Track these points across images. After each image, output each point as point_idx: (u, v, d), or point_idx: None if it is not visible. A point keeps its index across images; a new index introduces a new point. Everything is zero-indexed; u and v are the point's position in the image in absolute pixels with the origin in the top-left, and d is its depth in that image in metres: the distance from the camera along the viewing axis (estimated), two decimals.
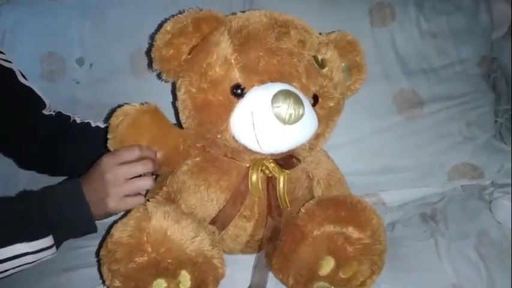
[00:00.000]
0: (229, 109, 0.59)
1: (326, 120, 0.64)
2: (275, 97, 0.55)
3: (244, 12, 0.64)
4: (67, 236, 0.63)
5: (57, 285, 0.66)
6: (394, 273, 0.64)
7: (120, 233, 0.54)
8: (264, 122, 0.56)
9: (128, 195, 0.62)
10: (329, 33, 0.69)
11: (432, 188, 0.88)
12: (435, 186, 0.89)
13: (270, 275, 0.64)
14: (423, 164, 0.91)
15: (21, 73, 0.75)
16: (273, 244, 0.64)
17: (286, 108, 0.54)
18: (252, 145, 0.58)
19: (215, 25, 0.62)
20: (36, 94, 0.75)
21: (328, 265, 0.60)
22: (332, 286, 0.61)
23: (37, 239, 0.57)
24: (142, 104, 0.65)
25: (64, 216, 0.60)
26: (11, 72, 0.73)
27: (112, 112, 0.65)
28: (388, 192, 0.88)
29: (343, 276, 0.61)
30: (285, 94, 0.55)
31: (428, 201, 0.85)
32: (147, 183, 0.64)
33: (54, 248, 0.60)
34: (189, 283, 0.55)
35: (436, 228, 0.75)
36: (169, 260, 0.53)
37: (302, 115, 0.55)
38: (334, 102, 0.64)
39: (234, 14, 0.64)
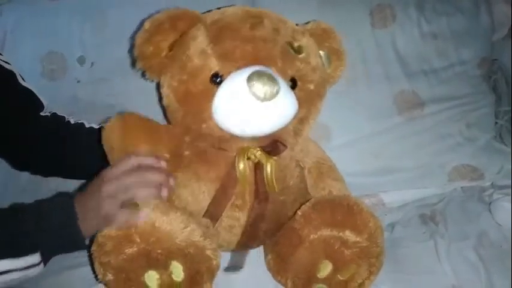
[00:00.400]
0: (210, 97, 0.60)
1: (307, 104, 0.65)
2: (250, 77, 0.56)
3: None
4: (56, 253, 0.60)
5: (57, 284, 0.66)
6: (393, 274, 0.64)
7: (109, 227, 0.54)
8: (242, 101, 0.57)
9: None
10: (305, 23, 0.71)
11: (432, 189, 0.88)
12: (435, 188, 0.88)
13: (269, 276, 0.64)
14: (423, 165, 0.91)
15: (21, 75, 0.75)
16: (255, 230, 0.64)
17: (261, 85, 0.56)
18: (235, 128, 0.60)
19: (192, 22, 0.64)
20: (36, 96, 0.76)
21: (326, 268, 0.60)
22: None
23: (24, 256, 0.56)
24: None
25: (53, 235, 0.57)
26: (11, 74, 0.73)
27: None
28: (388, 193, 0.88)
29: (341, 278, 0.61)
30: (259, 73, 0.57)
31: (428, 202, 0.85)
32: (144, 193, 0.59)
33: (42, 265, 0.58)
34: (182, 274, 0.56)
35: (435, 230, 0.75)
36: (159, 251, 0.54)
37: (278, 91, 0.57)
38: (313, 85, 0.65)
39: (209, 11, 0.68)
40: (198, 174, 0.64)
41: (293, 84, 0.63)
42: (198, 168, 0.64)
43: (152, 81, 0.69)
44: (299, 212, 0.62)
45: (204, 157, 0.65)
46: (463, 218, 0.77)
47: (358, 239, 0.59)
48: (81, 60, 0.90)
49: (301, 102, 0.63)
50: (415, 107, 0.94)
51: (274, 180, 0.62)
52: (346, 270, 0.60)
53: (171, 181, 0.62)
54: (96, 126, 0.77)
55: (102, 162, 0.73)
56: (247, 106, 0.57)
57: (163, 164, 0.63)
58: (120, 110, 0.86)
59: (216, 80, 0.60)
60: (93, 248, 0.55)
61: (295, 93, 0.62)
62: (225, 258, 0.65)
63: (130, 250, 0.53)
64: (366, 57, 0.94)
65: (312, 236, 0.59)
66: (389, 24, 0.95)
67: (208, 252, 0.56)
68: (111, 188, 0.58)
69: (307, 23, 0.71)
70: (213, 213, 0.63)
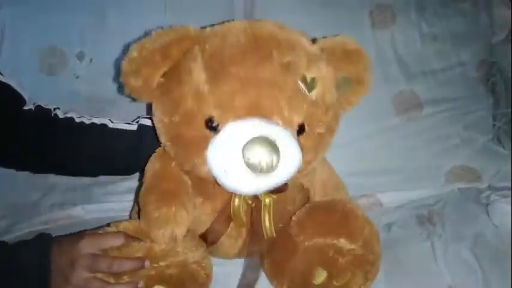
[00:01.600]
0: (204, 143, 0.54)
1: (315, 148, 0.59)
2: (246, 146, 0.50)
3: (223, 23, 0.59)
4: None
5: None
6: (390, 275, 0.64)
7: None
8: (235, 171, 0.51)
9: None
10: (324, 37, 0.62)
11: (429, 190, 0.88)
12: (432, 189, 0.88)
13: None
14: (421, 166, 0.91)
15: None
16: (256, 262, 0.63)
17: (257, 159, 0.50)
18: (226, 187, 0.54)
19: (188, 46, 0.56)
20: (15, 91, 0.71)
21: (321, 275, 0.60)
22: None
23: None
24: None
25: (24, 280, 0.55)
26: None
27: None
28: (385, 193, 0.87)
29: (337, 284, 0.60)
30: (257, 142, 0.50)
31: (425, 203, 0.85)
32: None
33: None
34: None
35: (432, 230, 0.75)
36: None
37: (276, 166, 0.51)
38: (324, 128, 0.58)
39: (212, 26, 0.59)
40: (194, 201, 0.61)
41: (300, 129, 0.56)
42: (194, 197, 0.61)
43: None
44: (294, 219, 0.61)
45: (200, 186, 0.61)
46: (460, 219, 0.77)
47: (352, 246, 0.58)
48: (80, 56, 0.89)
49: (308, 149, 0.57)
50: (413, 108, 0.94)
51: (272, 227, 0.59)
52: (341, 277, 0.60)
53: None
54: (87, 121, 0.73)
55: (93, 159, 0.73)
56: (241, 175, 0.51)
57: (146, 264, 0.56)
58: (120, 106, 0.86)
59: (212, 124, 0.54)
60: None
61: (300, 140, 0.55)
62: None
63: None
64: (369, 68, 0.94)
65: (306, 244, 0.58)
66: (389, 25, 0.95)
67: (192, 266, 0.56)
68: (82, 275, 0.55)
69: (325, 37, 0.62)
70: (208, 239, 0.62)
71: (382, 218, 0.81)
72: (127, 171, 0.80)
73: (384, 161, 0.91)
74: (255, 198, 0.58)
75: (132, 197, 0.80)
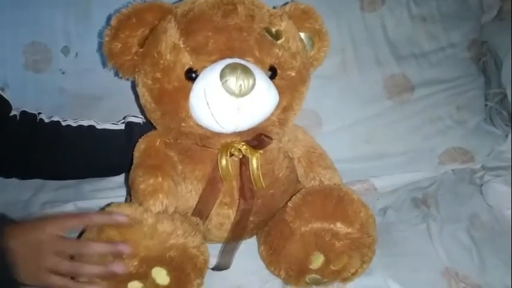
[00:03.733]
0: (186, 94, 0.58)
1: (290, 91, 0.62)
2: (222, 72, 0.54)
3: None
4: None
5: None
6: (386, 258, 0.64)
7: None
8: (216, 98, 0.55)
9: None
10: (283, 5, 0.67)
11: (423, 172, 0.88)
12: (426, 171, 0.88)
13: (258, 269, 0.64)
14: (414, 148, 0.91)
15: None
16: (243, 227, 0.64)
17: (234, 80, 0.54)
18: (213, 126, 0.58)
19: (161, 14, 0.61)
20: (2, 97, 0.71)
21: (318, 260, 0.60)
22: (324, 278, 0.61)
23: None
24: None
25: None
26: None
27: None
28: (379, 178, 0.87)
29: (334, 269, 0.60)
30: (232, 67, 0.54)
31: (420, 186, 0.85)
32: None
33: None
34: (166, 278, 0.54)
35: (427, 213, 0.75)
36: (135, 263, 0.52)
37: (253, 85, 0.54)
38: (294, 71, 0.62)
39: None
40: (184, 173, 0.63)
41: (272, 73, 0.60)
42: (184, 167, 0.63)
43: (127, 79, 0.66)
44: (289, 204, 0.61)
45: (188, 156, 0.63)
46: (455, 201, 0.78)
47: (349, 230, 0.58)
48: (65, 51, 0.87)
49: (283, 90, 0.61)
50: (405, 91, 0.94)
51: (260, 177, 0.60)
52: (338, 261, 0.60)
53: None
54: (73, 124, 0.73)
55: (83, 161, 0.73)
56: (222, 103, 0.55)
57: (124, 248, 0.52)
58: (107, 102, 0.85)
59: (191, 75, 0.57)
60: None
61: (275, 82, 0.59)
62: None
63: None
64: (355, 41, 0.93)
65: (302, 229, 0.58)
66: (379, 7, 0.94)
67: (192, 250, 0.55)
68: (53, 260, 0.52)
69: (284, 4, 0.67)
70: (201, 212, 0.62)
71: (377, 203, 0.82)
72: (117, 171, 0.79)
73: (377, 146, 0.91)
74: (242, 154, 0.61)
75: (124, 192, 0.80)
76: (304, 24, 0.66)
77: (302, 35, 0.66)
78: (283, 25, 0.62)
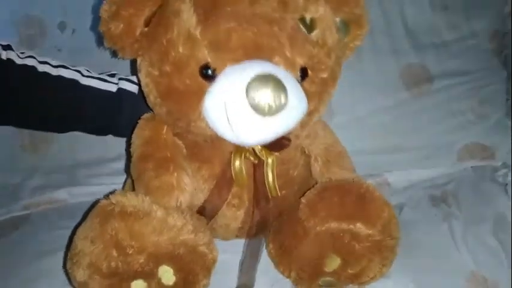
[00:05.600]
0: (199, 95, 0.50)
1: (319, 94, 0.55)
2: (250, 85, 0.46)
3: None
4: None
5: (39, 268, 0.61)
6: (405, 260, 0.58)
7: (83, 240, 0.47)
8: (240, 115, 0.47)
9: None
10: None
11: (440, 168, 0.83)
12: (443, 167, 0.84)
13: (266, 268, 0.59)
14: (431, 143, 0.86)
15: None
16: (262, 236, 0.59)
17: (264, 98, 0.46)
18: (230, 138, 0.50)
19: None
20: None
21: (333, 263, 0.54)
22: (339, 282, 0.56)
23: None
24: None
25: None
26: None
27: None
28: (394, 172, 0.83)
29: (351, 272, 0.55)
30: (262, 81, 0.46)
31: (437, 183, 0.80)
32: None
33: None
34: (173, 277, 0.49)
35: (448, 212, 0.70)
36: (141, 260, 0.46)
37: (284, 104, 0.46)
38: (327, 72, 0.54)
39: None
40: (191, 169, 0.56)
41: (303, 74, 0.52)
42: (188, 165, 0.56)
43: (124, 59, 0.57)
44: (303, 200, 0.55)
45: (194, 152, 0.56)
46: (478, 200, 0.73)
47: (370, 231, 0.52)
48: (61, 27, 0.83)
49: (312, 96, 0.53)
50: (423, 81, 0.89)
51: (276, 186, 0.54)
52: (357, 264, 0.54)
53: None
54: (53, 72, 0.64)
55: (59, 115, 0.65)
56: (246, 120, 0.47)
57: None
58: None
59: (207, 73, 0.49)
60: (68, 266, 0.48)
61: (303, 85, 0.51)
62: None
63: (106, 267, 0.46)
64: (372, 28, 0.85)
65: (318, 229, 0.52)
66: None
67: (202, 248, 0.49)
68: None
69: None
70: (207, 212, 0.57)
71: (390, 199, 0.75)
72: (99, 132, 0.73)
73: (392, 139, 0.86)
74: (257, 157, 0.54)
75: (121, 179, 0.74)
76: (342, 8, 0.57)
77: (337, 19, 0.57)
78: (320, 11, 0.53)
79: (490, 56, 0.93)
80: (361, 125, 0.87)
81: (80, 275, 0.46)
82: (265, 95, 0.46)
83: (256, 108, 0.46)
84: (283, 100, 0.46)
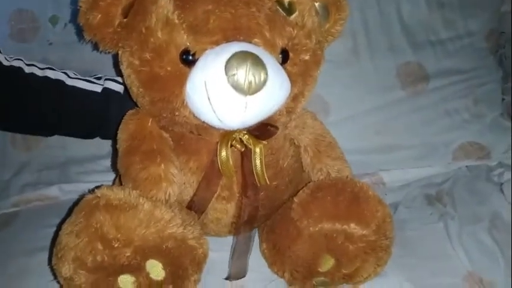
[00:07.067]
0: (181, 81, 0.49)
1: (302, 77, 0.54)
2: (229, 63, 0.45)
3: None
4: None
5: (28, 265, 0.60)
6: (401, 259, 0.58)
7: (68, 235, 0.46)
8: (220, 94, 0.47)
9: None
10: None
11: (436, 168, 0.83)
12: (439, 166, 0.84)
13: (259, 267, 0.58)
14: (427, 142, 0.86)
15: None
16: (251, 226, 0.58)
17: (243, 75, 0.45)
18: (213, 122, 0.50)
19: None
20: None
21: (327, 263, 0.54)
22: (333, 281, 0.55)
23: None
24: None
25: None
26: None
27: None
28: (389, 171, 0.83)
29: (345, 272, 0.54)
30: (241, 57, 0.45)
31: (432, 182, 0.80)
32: None
33: None
34: (162, 272, 0.48)
35: (444, 211, 0.70)
36: (128, 254, 0.45)
37: (265, 81, 0.46)
38: (309, 54, 0.54)
39: None
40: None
41: (284, 57, 0.52)
42: (177, 156, 0.55)
43: (108, 53, 0.57)
44: (296, 200, 0.54)
45: (181, 145, 0.56)
46: (473, 199, 0.72)
47: (365, 232, 0.51)
48: (53, 20, 0.82)
49: (295, 78, 0.53)
50: (419, 80, 0.88)
51: (264, 173, 0.53)
52: (351, 265, 0.53)
53: None
54: (39, 73, 0.64)
55: (45, 117, 0.65)
56: (227, 100, 0.47)
57: None
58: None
59: (188, 58, 0.49)
60: (53, 263, 0.47)
61: (286, 68, 0.51)
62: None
63: (92, 263, 0.45)
64: (368, 26, 0.88)
65: (311, 229, 0.52)
66: None
67: (191, 242, 0.48)
68: None
69: None
70: (197, 207, 0.56)
71: (385, 198, 0.75)
72: (86, 135, 0.72)
73: (388, 137, 0.86)
74: (244, 145, 0.53)
75: (113, 176, 0.73)
76: None
77: (316, 4, 0.57)
78: None
79: (486, 55, 0.93)
80: (357, 124, 0.86)
81: (65, 270, 0.45)
82: (244, 72, 0.45)
83: (236, 87, 0.45)
84: (262, 76, 0.46)
